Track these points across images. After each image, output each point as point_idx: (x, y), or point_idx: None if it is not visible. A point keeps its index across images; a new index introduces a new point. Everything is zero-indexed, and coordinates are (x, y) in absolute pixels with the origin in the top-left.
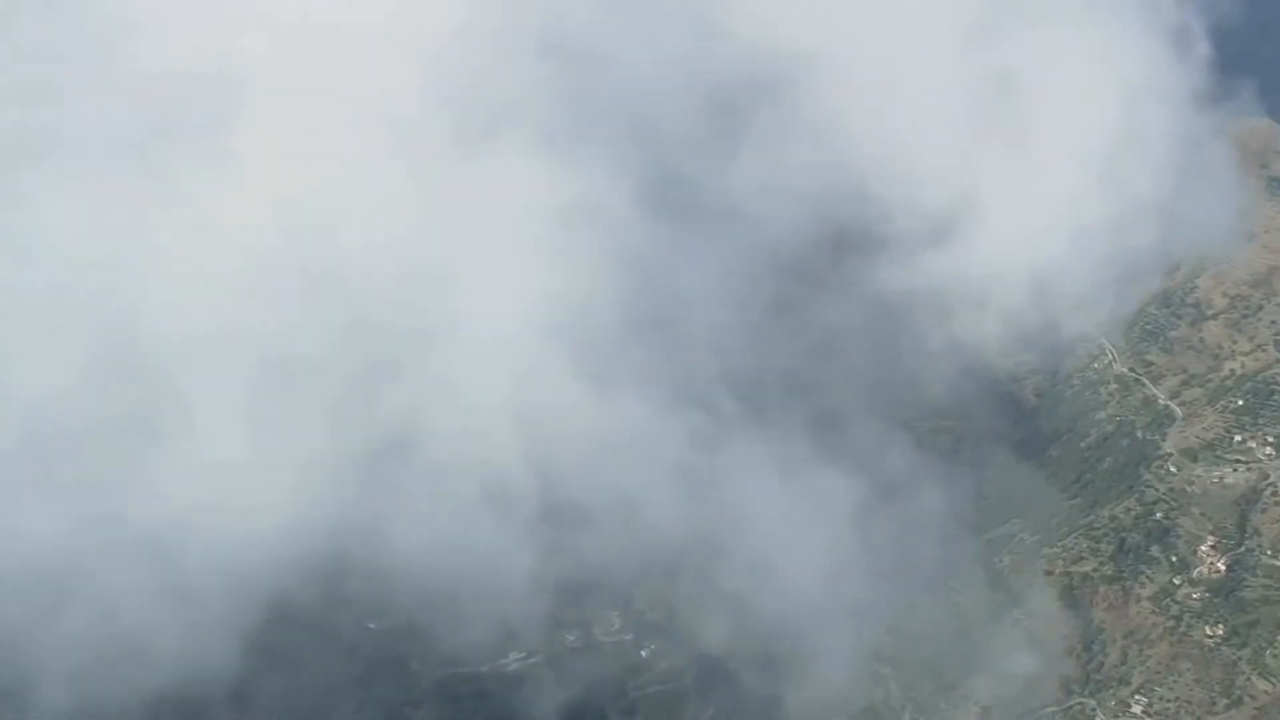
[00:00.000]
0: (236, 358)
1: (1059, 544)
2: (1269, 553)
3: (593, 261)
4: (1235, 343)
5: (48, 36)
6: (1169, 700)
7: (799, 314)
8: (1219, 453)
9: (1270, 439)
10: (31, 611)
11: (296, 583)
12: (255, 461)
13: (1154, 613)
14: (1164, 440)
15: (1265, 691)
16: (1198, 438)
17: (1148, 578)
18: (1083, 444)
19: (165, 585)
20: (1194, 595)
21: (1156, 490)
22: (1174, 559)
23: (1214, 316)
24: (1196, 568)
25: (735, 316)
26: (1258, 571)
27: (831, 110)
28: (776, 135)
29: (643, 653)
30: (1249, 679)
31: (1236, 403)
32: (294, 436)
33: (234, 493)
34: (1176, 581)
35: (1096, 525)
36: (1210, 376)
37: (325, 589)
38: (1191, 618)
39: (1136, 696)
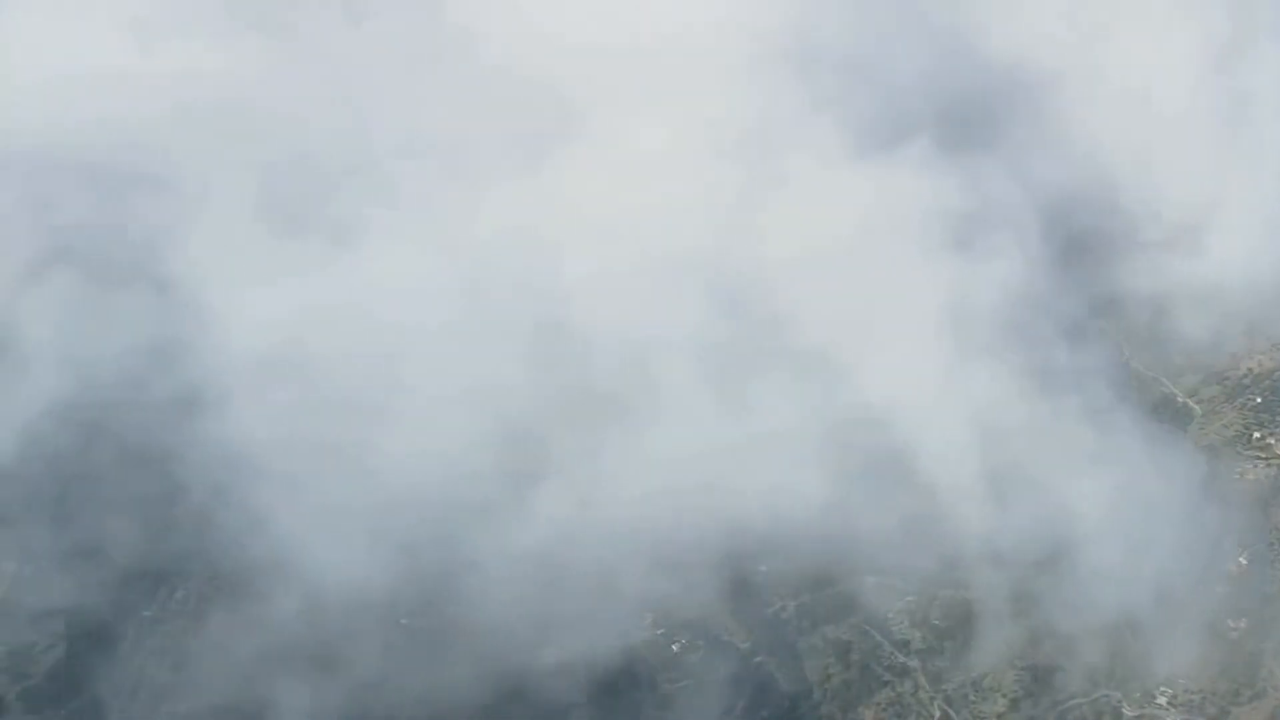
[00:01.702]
0: (672, 349)
1: None
2: None
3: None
4: (1253, 340)
5: (395, 43)
6: (1193, 692)
7: (1049, 311)
8: (1238, 449)
9: None
10: (531, 591)
11: (762, 555)
12: (719, 445)
13: None
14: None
15: None
16: (1217, 434)
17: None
18: None
19: (652, 560)
20: (1216, 589)
21: None
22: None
23: None
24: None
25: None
26: (1278, 565)
27: (1080, 121)
28: (1027, 145)
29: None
30: (1272, 671)
31: (1255, 400)
32: (746, 422)
33: (703, 475)
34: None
35: None
36: (1228, 374)
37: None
38: (1214, 611)
39: (1161, 688)
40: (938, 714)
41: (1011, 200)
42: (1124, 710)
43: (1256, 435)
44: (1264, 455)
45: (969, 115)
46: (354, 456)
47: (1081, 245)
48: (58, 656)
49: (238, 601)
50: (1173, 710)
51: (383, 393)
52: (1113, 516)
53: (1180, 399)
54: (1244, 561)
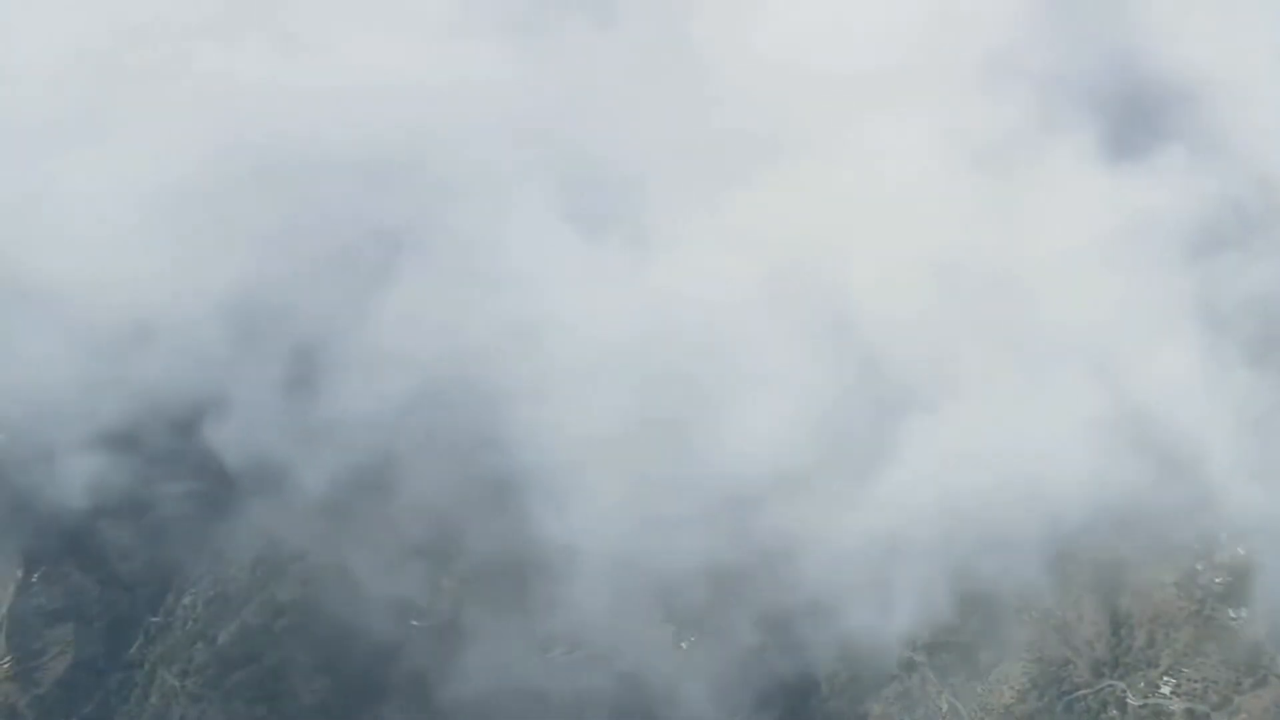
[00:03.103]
0: (961, 345)
1: None
2: None
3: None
4: None
5: (644, 49)
6: (1196, 681)
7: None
8: None
9: None
10: (865, 568)
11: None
12: (1018, 435)
13: (1178, 597)
14: None
15: None
16: None
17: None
18: None
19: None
20: (1216, 579)
21: None
22: (1195, 545)
23: None
24: (1217, 553)
25: None
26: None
27: (1234, 124)
28: (1185, 144)
29: None
30: (1273, 658)
31: None
32: (1039, 413)
33: (1005, 461)
34: (1199, 567)
35: None
36: None
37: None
38: (1215, 601)
39: (1165, 678)
40: (944, 706)
41: (1245, 202)
42: (1129, 700)
43: None
44: None
45: (1167, 122)
46: (686, 448)
47: None
48: (66, 664)
49: (578, 586)
50: (1176, 699)
51: (707, 387)
52: None
53: None
54: (1241, 552)
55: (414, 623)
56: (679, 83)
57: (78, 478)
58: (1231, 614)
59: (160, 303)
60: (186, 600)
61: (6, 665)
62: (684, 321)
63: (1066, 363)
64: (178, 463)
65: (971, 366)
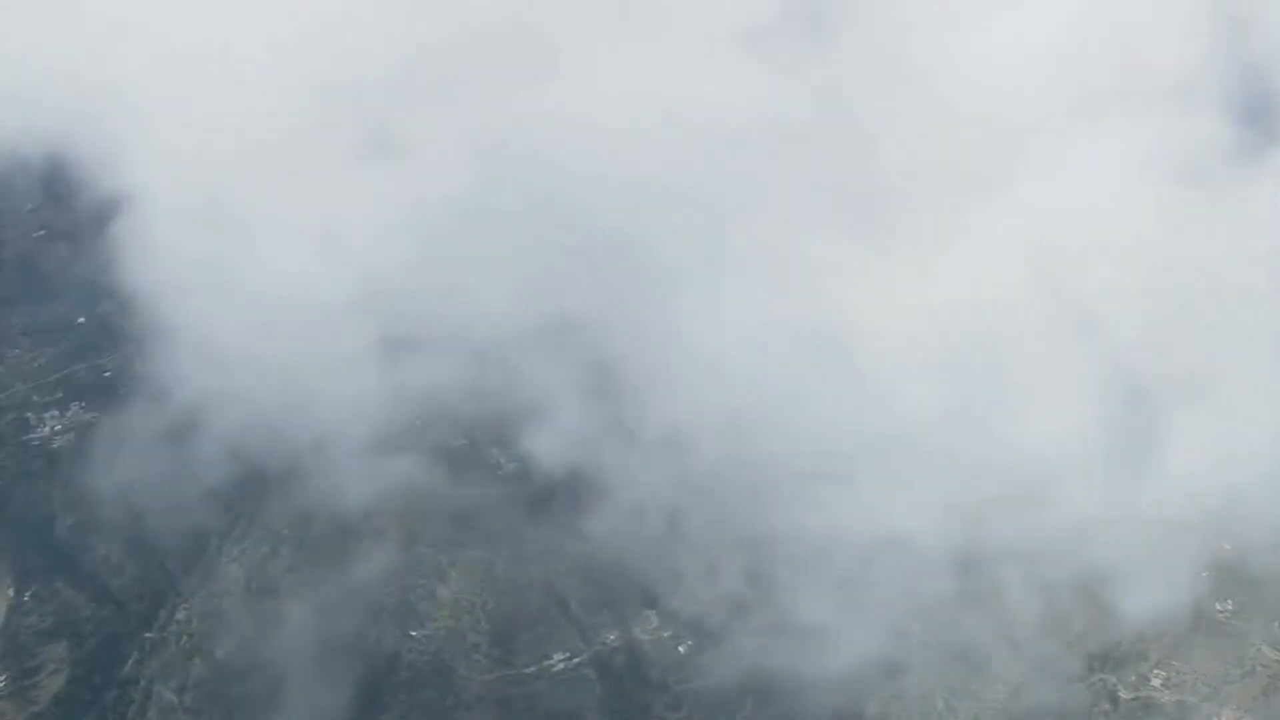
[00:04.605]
0: (1204, 343)
1: None
2: None
3: None
4: None
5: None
6: (1185, 673)
7: None
8: None
9: None
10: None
11: None
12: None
13: None
14: None
15: (1276, 661)
16: None
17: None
18: None
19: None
20: (1203, 574)
21: None
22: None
23: None
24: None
25: None
26: (1260, 551)
27: None
28: None
29: None
30: (1259, 649)
31: None
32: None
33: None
34: None
35: None
36: None
37: None
38: (1202, 595)
39: (1155, 671)
40: (940, 704)
41: None
42: (1120, 693)
43: None
44: None
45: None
46: (980, 439)
47: None
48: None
49: (884, 569)
50: (1166, 691)
51: (992, 383)
52: None
53: None
54: (1228, 548)
55: (412, 634)
56: (903, 98)
57: (372, 483)
58: (1219, 607)
59: (468, 317)
60: (180, 615)
61: (1, 683)
62: (965, 322)
63: None
64: (487, 470)
65: (1218, 363)
